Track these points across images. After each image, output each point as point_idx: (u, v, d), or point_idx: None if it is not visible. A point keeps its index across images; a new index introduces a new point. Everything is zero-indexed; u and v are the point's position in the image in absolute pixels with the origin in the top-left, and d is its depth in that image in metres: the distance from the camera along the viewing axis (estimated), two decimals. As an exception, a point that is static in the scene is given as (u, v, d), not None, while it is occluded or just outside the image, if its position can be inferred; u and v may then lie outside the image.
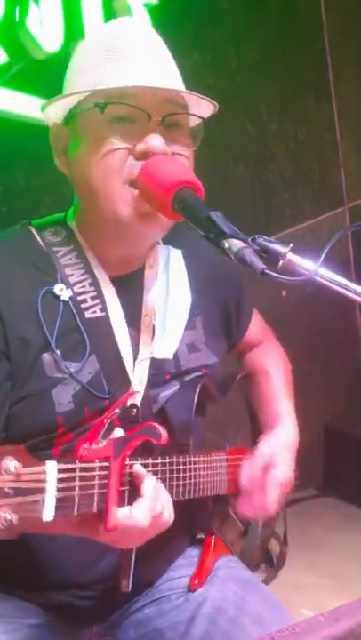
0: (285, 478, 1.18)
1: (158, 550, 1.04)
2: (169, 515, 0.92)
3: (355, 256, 3.07)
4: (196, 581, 1.13)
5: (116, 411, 0.89)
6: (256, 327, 1.40)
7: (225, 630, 1.07)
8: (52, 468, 0.75)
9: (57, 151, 1.08)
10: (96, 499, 0.82)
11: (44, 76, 1.89)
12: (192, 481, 1.05)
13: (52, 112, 1.04)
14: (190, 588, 1.13)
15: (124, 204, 0.99)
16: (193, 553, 1.21)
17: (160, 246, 1.16)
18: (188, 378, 1.16)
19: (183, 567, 1.18)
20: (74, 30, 1.99)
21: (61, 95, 1.01)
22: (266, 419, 1.32)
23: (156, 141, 0.97)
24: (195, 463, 1.06)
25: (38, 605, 1.10)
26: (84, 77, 1.00)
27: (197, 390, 1.13)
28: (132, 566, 0.94)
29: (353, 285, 0.80)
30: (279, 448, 1.21)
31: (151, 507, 0.87)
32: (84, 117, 1.01)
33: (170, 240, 1.16)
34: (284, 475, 1.18)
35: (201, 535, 1.22)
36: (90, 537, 0.87)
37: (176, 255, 1.17)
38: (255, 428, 1.37)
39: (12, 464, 0.70)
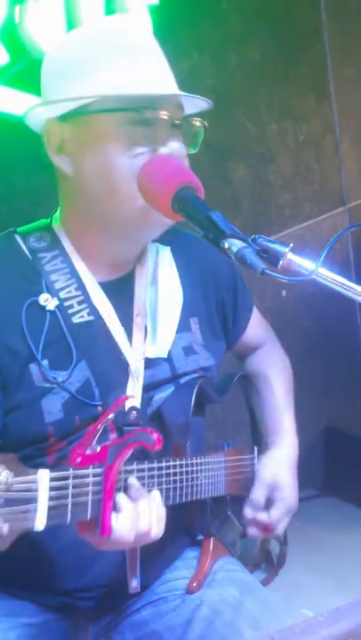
0: (291, 504, 1.23)
1: (157, 553, 1.03)
2: (157, 532, 0.90)
3: (355, 256, 3.07)
4: (195, 584, 1.12)
5: (110, 416, 0.88)
6: (256, 328, 1.38)
7: (222, 633, 1.05)
8: (43, 477, 0.75)
9: (52, 147, 1.04)
10: (90, 505, 0.82)
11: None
12: (189, 484, 1.04)
13: (47, 107, 1.01)
14: (188, 591, 1.13)
15: (134, 200, 0.98)
16: (191, 555, 1.20)
17: (149, 244, 1.14)
18: (183, 380, 1.14)
19: (181, 569, 1.17)
20: (74, 30, 1.99)
21: (79, 96, 0.98)
22: (266, 431, 1.33)
23: (177, 145, 0.99)
24: (192, 466, 1.06)
25: (35, 605, 1.09)
26: (94, 76, 0.98)
27: (194, 392, 1.12)
28: (139, 567, 0.94)
29: (353, 285, 0.80)
30: (281, 469, 1.24)
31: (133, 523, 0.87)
32: (97, 118, 0.98)
33: (158, 237, 1.13)
34: (289, 502, 1.22)
35: (200, 537, 1.21)
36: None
37: (165, 252, 1.16)
38: (255, 435, 1.37)
39: (2, 473, 0.70)
